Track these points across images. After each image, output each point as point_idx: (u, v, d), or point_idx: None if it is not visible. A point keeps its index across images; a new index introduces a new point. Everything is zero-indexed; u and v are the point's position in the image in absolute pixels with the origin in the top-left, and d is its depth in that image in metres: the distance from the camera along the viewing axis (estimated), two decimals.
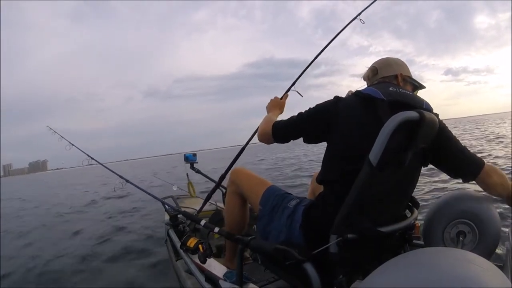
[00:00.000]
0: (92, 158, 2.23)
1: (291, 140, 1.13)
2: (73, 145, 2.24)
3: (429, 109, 0.94)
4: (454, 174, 1.04)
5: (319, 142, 1.05)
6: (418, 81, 1.09)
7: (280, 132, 1.13)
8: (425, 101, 0.95)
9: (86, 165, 2.17)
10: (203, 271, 1.33)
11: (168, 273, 2.10)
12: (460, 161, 1.00)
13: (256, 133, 1.30)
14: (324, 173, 1.00)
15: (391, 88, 0.94)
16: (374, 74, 1.08)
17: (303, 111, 1.06)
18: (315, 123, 1.01)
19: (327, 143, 1.01)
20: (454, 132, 1.03)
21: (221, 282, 1.19)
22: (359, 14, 1.66)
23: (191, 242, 1.43)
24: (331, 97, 1.02)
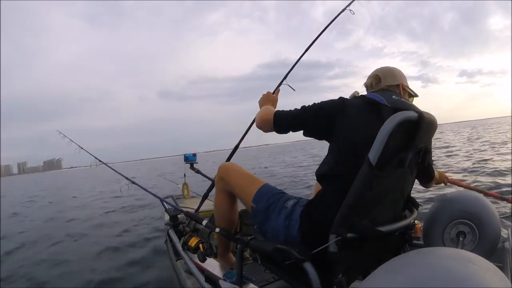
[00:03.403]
0: (100, 161, 2.27)
1: (290, 132, 1.12)
2: (82, 148, 2.28)
3: None
4: (419, 179, 1.17)
5: (318, 138, 1.06)
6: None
7: (282, 121, 1.11)
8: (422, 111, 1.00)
9: (94, 166, 2.24)
10: (203, 271, 1.33)
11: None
12: (429, 166, 1.14)
13: (254, 121, 1.31)
14: (328, 168, 0.98)
15: (393, 97, 0.98)
16: (377, 82, 1.11)
17: (306, 105, 1.07)
18: (320, 118, 1.01)
19: (330, 141, 1.01)
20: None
21: (221, 282, 1.19)
22: (349, 4, 1.70)
23: (193, 242, 1.43)
24: None
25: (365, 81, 1.17)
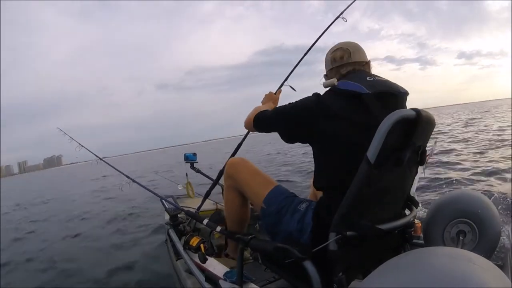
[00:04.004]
0: (101, 159, 2.26)
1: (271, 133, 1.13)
2: (82, 146, 2.28)
3: (406, 93, 0.96)
4: None
5: (295, 142, 1.03)
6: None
7: (259, 123, 1.14)
8: (400, 85, 0.96)
9: (94, 163, 2.26)
10: (203, 271, 1.33)
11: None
12: None
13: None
14: (323, 179, 0.97)
15: (368, 78, 0.93)
16: (348, 56, 1.03)
17: (283, 105, 1.03)
18: (294, 124, 0.98)
19: (312, 145, 0.99)
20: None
21: (221, 282, 1.20)
22: (341, 13, 1.74)
23: (194, 241, 1.43)
24: None
25: (331, 54, 1.06)
